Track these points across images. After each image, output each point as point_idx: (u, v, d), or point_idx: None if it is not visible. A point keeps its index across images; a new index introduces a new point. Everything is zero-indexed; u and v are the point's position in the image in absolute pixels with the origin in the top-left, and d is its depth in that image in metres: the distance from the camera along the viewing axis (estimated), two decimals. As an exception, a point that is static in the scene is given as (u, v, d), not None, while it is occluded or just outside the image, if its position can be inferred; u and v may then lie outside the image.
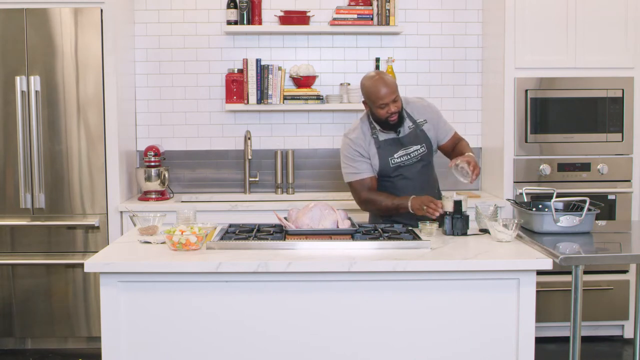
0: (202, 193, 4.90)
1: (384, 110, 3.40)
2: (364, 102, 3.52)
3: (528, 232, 3.27)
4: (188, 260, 2.76)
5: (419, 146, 3.54)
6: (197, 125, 4.93)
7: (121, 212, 4.35)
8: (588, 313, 4.45)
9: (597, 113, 4.48)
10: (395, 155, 3.51)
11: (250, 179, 4.88)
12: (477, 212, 3.33)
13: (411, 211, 3.38)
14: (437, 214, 3.25)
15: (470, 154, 3.43)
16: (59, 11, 4.25)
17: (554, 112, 4.47)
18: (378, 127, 3.51)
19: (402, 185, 3.52)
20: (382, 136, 3.52)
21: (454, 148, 3.62)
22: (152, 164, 4.59)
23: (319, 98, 4.77)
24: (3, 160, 4.30)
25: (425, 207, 3.28)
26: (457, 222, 3.23)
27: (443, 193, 3.48)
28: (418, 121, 3.56)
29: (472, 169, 3.27)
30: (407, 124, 3.54)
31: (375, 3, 4.69)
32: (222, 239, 3.03)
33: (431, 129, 3.58)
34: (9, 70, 4.26)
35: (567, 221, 3.21)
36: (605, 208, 4.39)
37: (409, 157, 3.52)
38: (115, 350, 2.78)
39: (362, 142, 3.52)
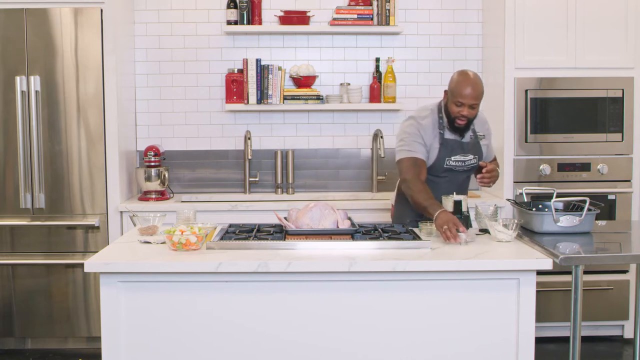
0: (202, 193, 4.90)
1: (457, 109, 3.37)
2: (445, 91, 3.47)
3: (528, 232, 3.26)
4: (188, 260, 2.76)
5: (473, 156, 3.52)
6: (197, 125, 4.93)
7: (121, 212, 4.35)
8: (588, 313, 4.45)
9: (597, 113, 4.48)
10: (452, 158, 3.49)
11: (250, 179, 4.88)
12: (477, 212, 3.33)
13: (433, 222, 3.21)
14: (450, 242, 3.03)
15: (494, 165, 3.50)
16: (59, 11, 4.25)
17: (554, 112, 4.47)
18: (446, 124, 3.47)
19: (444, 188, 3.47)
20: (447, 135, 3.49)
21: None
22: (152, 164, 4.59)
23: (319, 98, 4.77)
24: (3, 160, 4.30)
25: (446, 229, 3.03)
26: (457, 222, 3.22)
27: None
28: (478, 133, 3.56)
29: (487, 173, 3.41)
30: (469, 133, 3.53)
31: (375, 3, 4.69)
32: (222, 239, 3.03)
33: (485, 146, 3.58)
34: (9, 70, 4.26)
35: (567, 221, 3.21)
36: (605, 208, 4.39)
37: (463, 164, 3.50)
38: (115, 350, 2.78)
39: (429, 131, 3.46)
